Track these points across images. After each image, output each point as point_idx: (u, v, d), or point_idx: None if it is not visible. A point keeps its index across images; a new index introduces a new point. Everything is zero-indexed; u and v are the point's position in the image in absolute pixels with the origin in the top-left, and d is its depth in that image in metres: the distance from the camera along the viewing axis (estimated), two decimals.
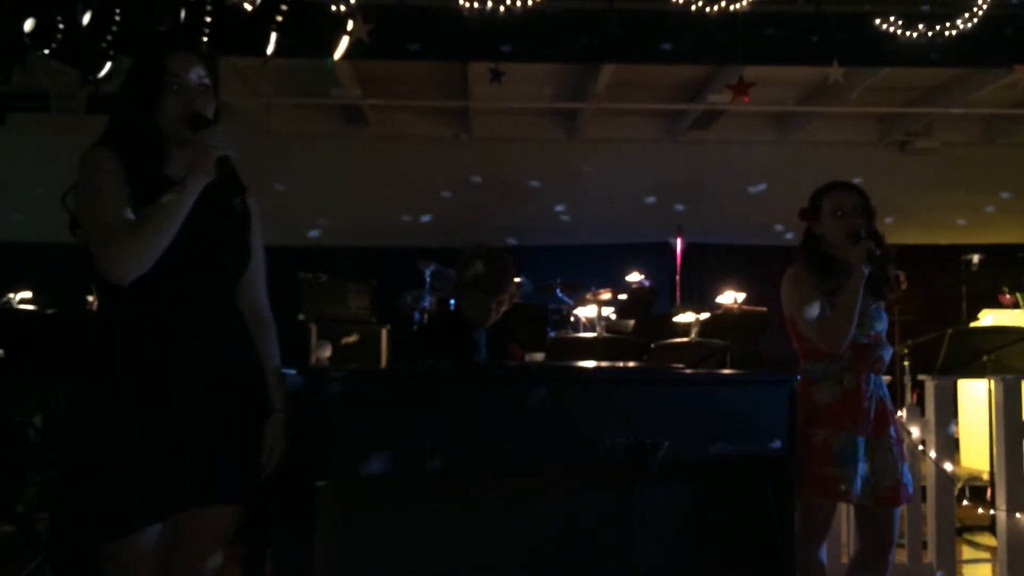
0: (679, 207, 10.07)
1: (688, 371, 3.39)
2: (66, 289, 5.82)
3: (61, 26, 5.68)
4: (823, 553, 3.19)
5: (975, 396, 6.44)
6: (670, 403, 2.56)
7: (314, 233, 9.80)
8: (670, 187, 10.33)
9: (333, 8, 6.40)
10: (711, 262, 9.83)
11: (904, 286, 5.76)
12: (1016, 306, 7.28)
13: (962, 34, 7.35)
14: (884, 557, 3.12)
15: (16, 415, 5.34)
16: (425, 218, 10.07)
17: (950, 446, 4.52)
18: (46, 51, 5.74)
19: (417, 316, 7.35)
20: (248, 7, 5.98)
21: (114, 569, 2.17)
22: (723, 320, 6.93)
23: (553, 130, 10.61)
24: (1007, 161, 10.51)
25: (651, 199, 10.32)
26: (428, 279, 7.38)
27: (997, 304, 7.40)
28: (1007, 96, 9.20)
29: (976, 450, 6.43)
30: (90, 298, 5.90)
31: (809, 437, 2.99)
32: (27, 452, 5.32)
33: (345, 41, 6.32)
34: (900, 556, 4.12)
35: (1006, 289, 7.43)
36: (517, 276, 3.91)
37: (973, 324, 6.95)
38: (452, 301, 3.98)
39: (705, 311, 6.99)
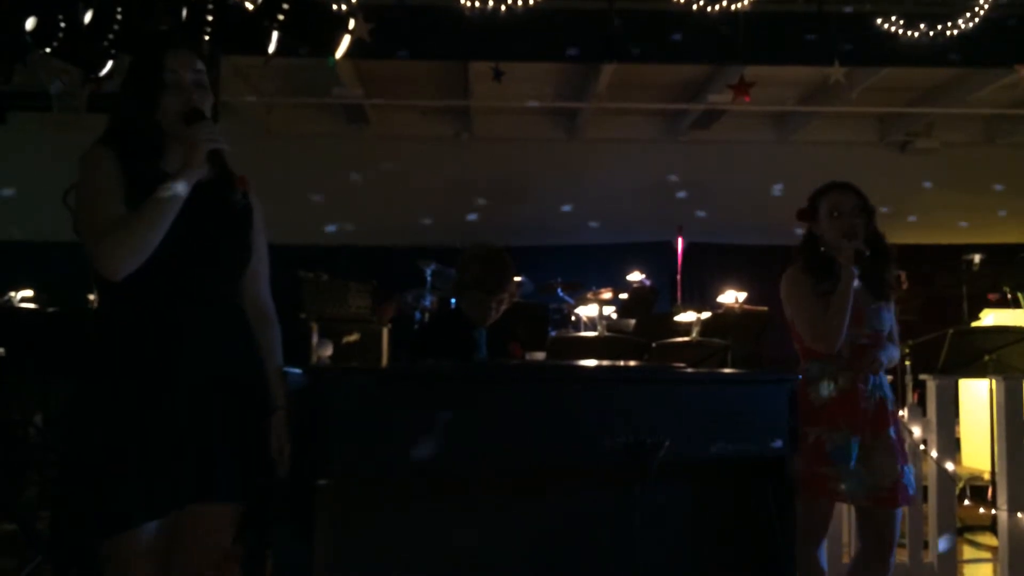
0: (680, 207, 10.07)
1: (689, 370, 3.39)
2: (67, 288, 5.82)
3: (62, 25, 5.68)
4: (823, 553, 3.19)
5: (976, 396, 6.43)
6: (671, 402, 2.55)
7: (316, 232, 9.80)
8: (671, 187, 10.34)
9: (334, 7, 6.40)
10: (712, 262, 9.83)
11: (905, 286, 5.75)
12: (1007, 302, 7.27)
13: (963, 34, 7.35)
14: (885, 558, 3.12)
15: (16, 414, 5.34)
16: (426, 218, 10.07)
17: (951, 446, 4.52)
18: (47, 50, 5.74)
19: (418, 315, 7.36)
20: (249, 6, 5.98)
21: (112, 567, 2.17)
22: (724, 319, 6.92)
23: (554, 130, 10.61)
24: (1007, 161, 10.51)
25: (651, 199, 10.32)
26: (429, 278, 7.39)
27: (1001, 304, 7.38)
28: (1007, 96, 9.21)
29: (977, 450, 6.43)
30: (91, 297, 5.90)
31: (803, 436, 2.99)
32: (27, 451, 5.32)
33: (346, 40, 6.32)
34: (901, 556, 4.12)
35: (1007, 289, 7.42)
36: (517, 276, 3.92)
37: (974, 324, 6.95)
38: (453, 300, 3.98)
39: (706, 310, 6.98)
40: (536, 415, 2.38)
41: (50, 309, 6.28)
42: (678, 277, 8.96)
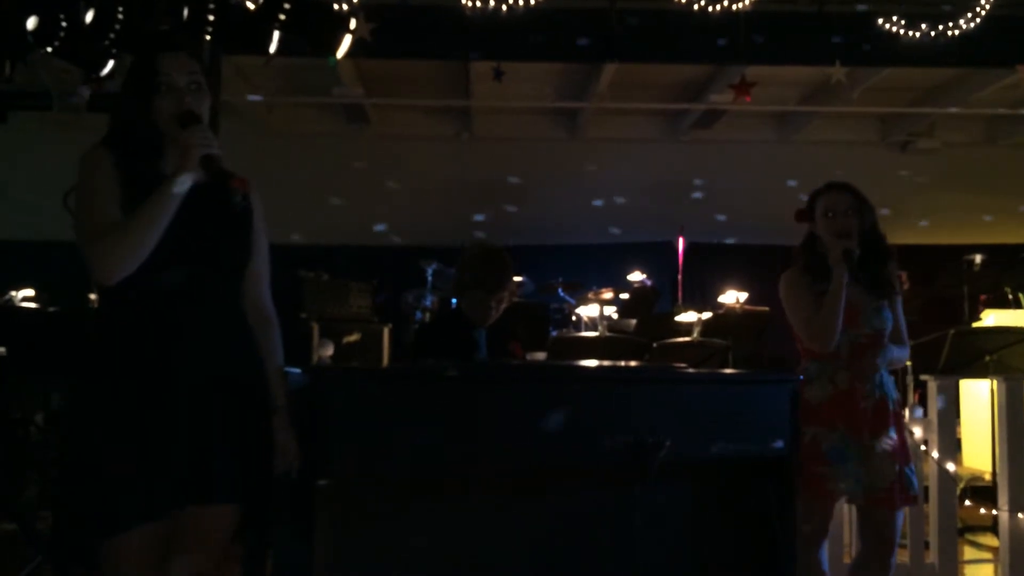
0: (681, 207, 10.06)
1: (690, 371, 3.39)
2: (68, 287, 5.81)
3: (64, 24, 5.68)
4: (824, 554, 3.19)
5: (977, 396, 6.43)
6: (672, 403, 2.55)
7: (316, 232, 9.80)
8: (672, 186, 10.33)
9: (335, 7, 6.40)
10: (713, 262, 9.82)
11: (906, 286, 5.75)
12: (996, 302, 7.26)
13: (964, 34, 7.34)
14: (885, 558, 3.12)
15: (17, 413, 5.35)
16: (426, 217, 10.06)
17: (952, 446, 4.52)
18: (49, 49, 5.74)
19: (419, 315, 7.36)
20: (251, 5, 5.98)
21: (110, 567, 2.17)
22: (725, 320, 6.92)
23: (554, 129, 10.60)
24: (1009, 161, 10.50)
25: (652, 198, 10.32)
26: (430, 278, 7.39)
27: (994, 304, 7.37)
28: (1009, 96, 9.20)
29: (978, 450, 6.43)
30: (92, 297, 5.90)
31: (800, 436, 2.99)
32: (28, 450, 5.33)
33: (347, 40, 6.32)
34: (902, 556, 4.11)
35: (1008, 289, 7.41)
36: (518, 276, 3.92)
37: (975, 324, 6.94)
38: (453, 300, 3.99)
39: (707, 311, 6.98)
40: (536, 415, 2.38)
41: (51, 309, 6.28)
42: (679, 277, 8.95)
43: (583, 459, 2.46)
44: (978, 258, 7.82)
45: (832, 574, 3.28)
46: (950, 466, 4.39)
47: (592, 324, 7.36)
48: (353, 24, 6.36)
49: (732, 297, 7.50)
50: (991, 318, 7.02)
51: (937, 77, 9.23)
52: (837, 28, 7.47)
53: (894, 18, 7.38)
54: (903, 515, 3.19)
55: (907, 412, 4.50)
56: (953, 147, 10.50)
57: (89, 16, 5.74)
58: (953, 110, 9.68)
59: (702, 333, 6.55)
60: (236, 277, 2.36)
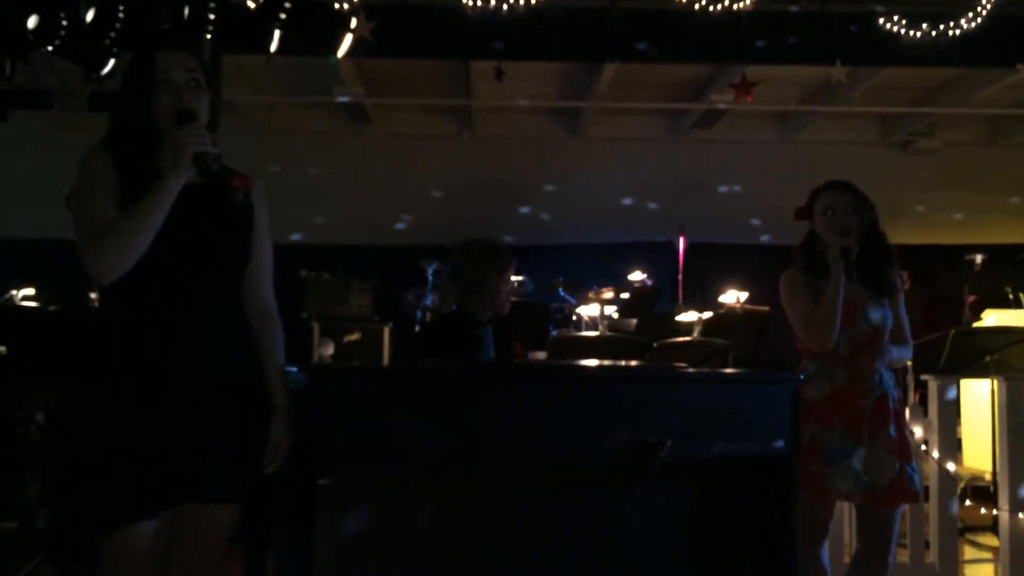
0: (681, 206, 10.06)
1: (690, 370, 3.38)
2: (69, 286, 5.81)
3: (64, 23, 5.68)
4: (825, 554, 3.19)
5: (978, 396, 6.43)
6: (672, 402, 2.55)
7: (317, 231, 9.80)
8: (672, 186, 10.33)
9: (336, 6, 6.40)
10: (713, 261, 9.80)
11: (907, 286, 5.74)
12: (985, 303, 7.25)
13: (965, 34, 7.33)
14: (883, 557, 3.12)
15: (18, 412, 5.34)
16: (427, 217, 10.06)
17: (953, 446, 4.52)
18: (49, 48, 5.74)
19: (420, 315, 7.36)
20: (251, 4, 5.98)
21: (109, 565, 2.18)
22: (725, 319, 6.92)
23: (555, 129, 10.60)
24: (1010, 161, 10.50)
25: (653, 198, 10.31)
26: (430, 278, 7.39)
27: (996, 304, 7.37)
28: (1010, 96, 9.19)
29: (979, 450, 6.43)
30: (92, 296, 5.91)
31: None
32: (29, 449, 5.32)
33: (348, 39, 6.32)
34: (902, 556, 4.11)
35: (1008, 290, 7.40)
36: (518, 275, 3.91)
37: (976, 324, 6.94)
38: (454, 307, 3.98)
39: (708, 310, 6.98)
40: (537, 415, 2.38)
41: (51, 308, 6.28)
42: (679, 277, 8.94)
43: (583, 459, 2.46)
44: (978, 258, 7.81)
45: (832, 574, 3.28)
46: (950, 466, 4.39)
47: (592, 324, 7.36)
48: (354, 23, 6.36)
49: (732, 297, 7.51)
50: (991, 318, 7.02)
51: (938, 77, 9.22)
52: (838, 28, 7.46)
53: (895, 18, 7.38)
54: (900, 513, 3.19)
55: (907, 412, 4.50)
56: (954, 147, 10.49)
57: (90, 15, 5.74)
58: (954, 110, 9.67)
59: (702, 333, 6.55)
60: (236, 276, 2.36)
